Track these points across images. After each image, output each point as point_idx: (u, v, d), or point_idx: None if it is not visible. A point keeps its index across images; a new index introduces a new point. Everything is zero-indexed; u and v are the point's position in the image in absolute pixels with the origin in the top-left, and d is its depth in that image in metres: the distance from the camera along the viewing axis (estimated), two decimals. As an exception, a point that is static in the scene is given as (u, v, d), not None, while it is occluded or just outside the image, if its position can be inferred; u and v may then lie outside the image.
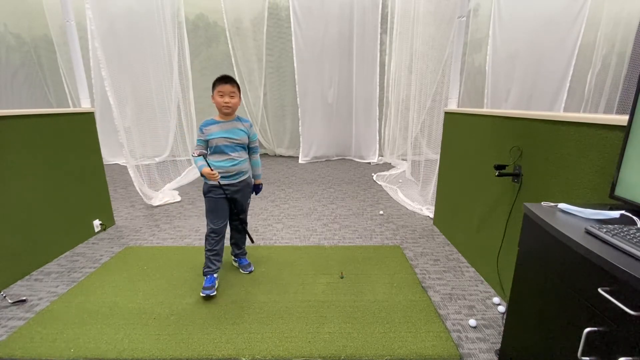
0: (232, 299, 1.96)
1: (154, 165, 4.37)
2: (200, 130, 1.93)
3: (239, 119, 2.03)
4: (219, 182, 1.93)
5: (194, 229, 3.06)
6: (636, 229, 0.89)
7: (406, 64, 5.04)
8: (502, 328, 1.47)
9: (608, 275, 0.80)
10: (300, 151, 6.37)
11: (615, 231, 0.88)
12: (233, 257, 2.35)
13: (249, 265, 2.30)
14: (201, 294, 1.94)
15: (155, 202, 3.75)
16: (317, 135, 6.39)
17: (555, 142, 1.57)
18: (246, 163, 2.06)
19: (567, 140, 1.49)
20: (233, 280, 2.17)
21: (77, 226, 2.74)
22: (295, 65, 6.04)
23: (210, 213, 2.00)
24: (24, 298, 1.98)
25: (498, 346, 1.57)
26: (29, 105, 5.81)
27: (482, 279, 2.21)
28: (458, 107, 2.87)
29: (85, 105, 2.90)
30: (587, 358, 0.86)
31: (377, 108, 6.25)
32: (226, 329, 1.72)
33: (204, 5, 5.99)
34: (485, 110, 2.35)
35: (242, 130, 2.00)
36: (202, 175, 1.90)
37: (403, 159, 5.53)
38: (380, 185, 4.55)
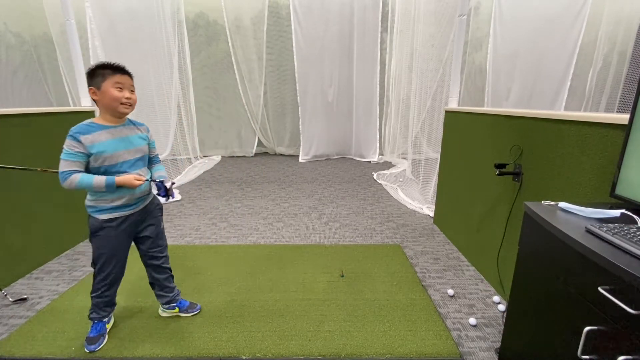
0: (233, 298, 1.97)
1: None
2: (74, 138, 1.31)
3: (132, 122, 1.51)
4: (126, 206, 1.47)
5: (194, 228, 3.06)
6: (637, 228, 0.89)
7: (407, 63, 5.04)
8: (502, 327, 1.47)
9: (608, 274, 0.80)
10: (301, 150, 6.37)
11: (616, 230, 0.88)
12: (164, 307, 1.79)
13: (194, 304, 1.84)
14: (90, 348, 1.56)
15: (156, 201, 3.75)
16: (317, 133, 6.39)
17: (556, 141, 1.56)
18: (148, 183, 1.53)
19: (567, 139, 1.49)
20: (233, 279, 2.17)
21: (77, 224, 2.74)
22: (295, 63, 6.03)
23: (110, 258, 1.51)
24: (25, 296, 1.98)
25: (498, 345, 1.57)
26: (29, 104, 5.81)
27: (482, 277, 2.21)
28: (458, 105, 2.87)
29: (85, 104, 2.90)
30: (587, 357, 0.86)
31: (378, 107, 6.25)
32: (227, 327, 1.72)
33: (204, 4, 5.97)
34: (486, 109, 2.35)
35: (142, 138, 1.51)
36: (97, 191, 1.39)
37: (403, 158, 5.53)
38: (381, 184, 4.55)
